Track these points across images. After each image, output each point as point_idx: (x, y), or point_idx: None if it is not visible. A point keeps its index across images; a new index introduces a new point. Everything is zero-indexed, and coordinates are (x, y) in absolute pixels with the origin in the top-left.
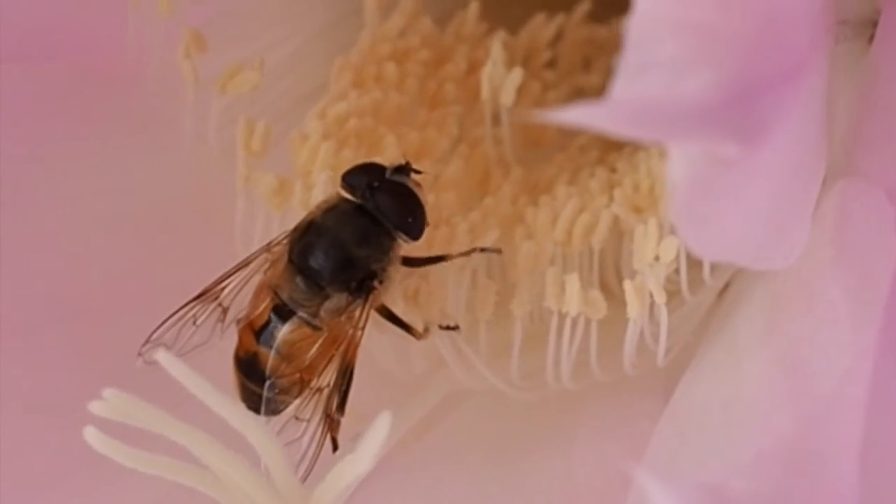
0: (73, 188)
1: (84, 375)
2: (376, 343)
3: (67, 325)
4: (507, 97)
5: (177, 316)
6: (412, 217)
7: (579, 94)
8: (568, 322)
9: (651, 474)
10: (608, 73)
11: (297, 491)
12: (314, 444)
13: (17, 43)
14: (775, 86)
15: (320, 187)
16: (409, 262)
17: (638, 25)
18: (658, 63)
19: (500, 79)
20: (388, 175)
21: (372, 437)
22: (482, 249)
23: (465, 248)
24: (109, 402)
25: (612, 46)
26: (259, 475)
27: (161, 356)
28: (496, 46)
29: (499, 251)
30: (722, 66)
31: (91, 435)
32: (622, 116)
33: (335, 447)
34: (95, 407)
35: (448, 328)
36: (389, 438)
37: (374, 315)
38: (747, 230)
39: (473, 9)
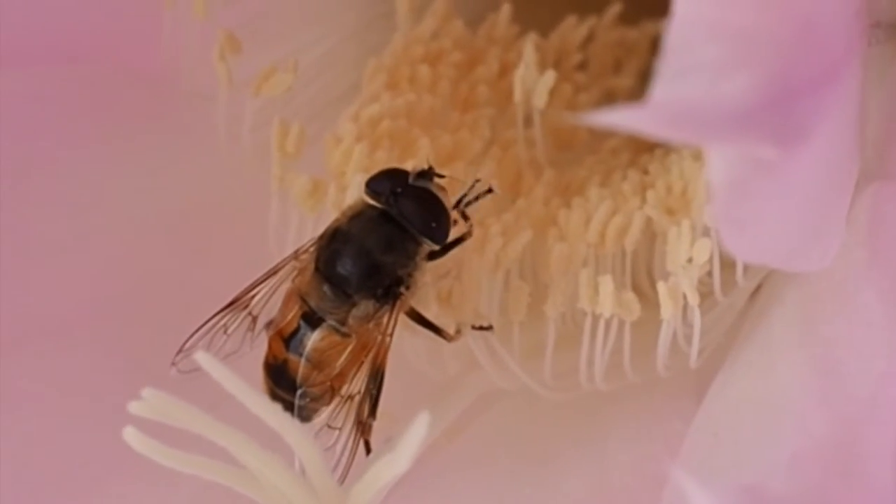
0: (107, 189)
1: (120, 376)
2: (409, 344)
3: (103, 327)
4: (540, 99)
5: (208, 325)
6: (436, 222)
7: (610, 96)
8: (601, 323)
9: (690, 475)
10: (639, 76)
11: (333, 491)
12: (347, 451)
13: (52, 45)
14: (813, 89)
15: (354, 189)
16: (433, 255)
17: (677, 29)
18: (697, 66)
19: (533, 81)
20: (411, 180)
21: (410, 437)
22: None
23: (497, 250)
24: (148, 402)
25: (643, 49)
26: (296, 475)
27: (200, 357)
28: (528, 49)
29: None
30: (761, 68)
31: (130, 435)
32: (662, 119)
33: (368, 450)
34: (134, 407)
35: (482, 328)
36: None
37: (404, 318)
38: (784, 232)
39: (505, 11)
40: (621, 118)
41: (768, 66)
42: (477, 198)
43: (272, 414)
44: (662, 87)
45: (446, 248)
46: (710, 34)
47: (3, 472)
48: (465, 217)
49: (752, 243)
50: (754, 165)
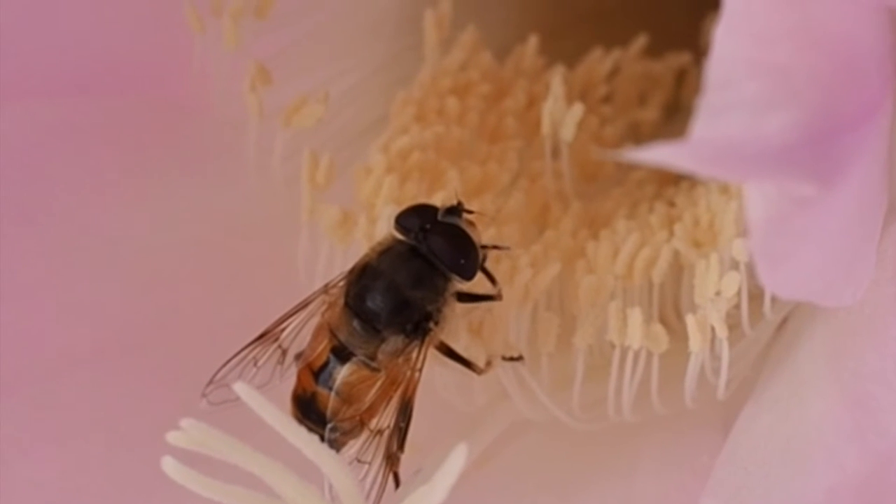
0: (138, 219)
1: (151, 405)
2: (438, 375)
3: (134, 357)
4: (568, 132)
5: (238, 357)
6: (465, 258)
7: (635, 129)
8: (630, 355)
9: None
10: (663, 109)
11: None
12: (377, 485)
13: (83, 75)
14: (852, 126)
15: (384, 220)
16: (462, 298)
17: (717, 66)
18: (738, 103)
19: (561, 113)
20: (440, 216)
21: (447, 468)
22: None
23: (526, 282)
24: (187, 433)
25: (667, 82)
26: None
27: (238, 387)
28: (556, 81)
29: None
30: (801, 106)
31: (169, 465)
32: (704, 156)
33: (397, 484)
34: (173, 437)
35: (512, 359)
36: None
37: (434, 352)
38: (819, 268)
39: (532, 43)
40: (664, 155)
41: (808, 103)
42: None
43: (309, 444)
44: (703, 124)
45: (475, 299)
46: (751, 72)
47: (44, 497)
48: (493, 280)
49: (789, 278)
50: (792, 202)
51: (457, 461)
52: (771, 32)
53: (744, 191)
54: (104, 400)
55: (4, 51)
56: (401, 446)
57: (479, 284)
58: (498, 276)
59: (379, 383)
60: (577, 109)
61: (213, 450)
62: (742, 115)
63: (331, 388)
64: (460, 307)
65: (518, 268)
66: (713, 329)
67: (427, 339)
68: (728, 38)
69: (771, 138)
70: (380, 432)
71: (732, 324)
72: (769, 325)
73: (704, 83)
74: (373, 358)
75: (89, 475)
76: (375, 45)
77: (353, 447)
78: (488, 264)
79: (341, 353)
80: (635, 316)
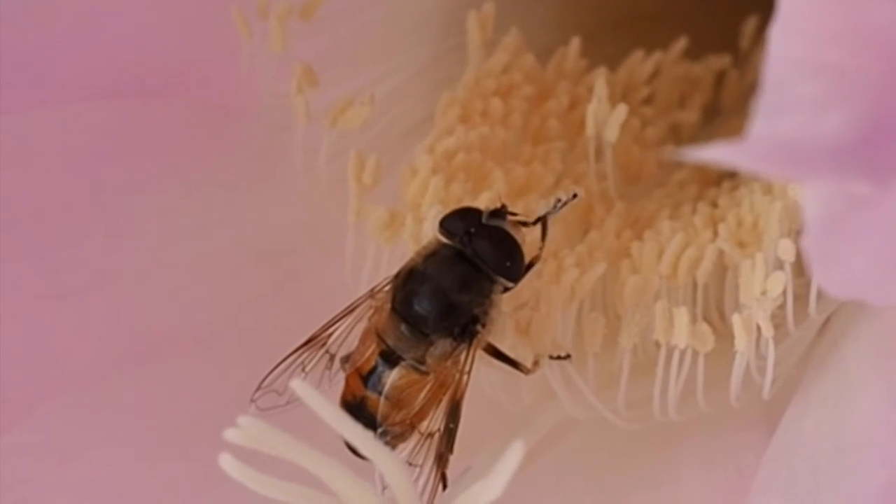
0: (185, 222)
1: (201, 405)
2: (485, 374)
3: (182, 358)
4: (612, 133)
5: (286, 362)
6: (510, 261)
7: (676, 130)
8: (675, 355)
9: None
10: (704, 111)
11: None
12: (430, 487)
13: (130, 78)
14: None
15: (430, 221)
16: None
17: (774, 67)
18: (795, 103)
19: (605, 115)
20: (484, 219)
21: (504, 465)
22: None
23: (572, 282)
24: (244, 430)
25: (707, 84)
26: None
27: (296, 385)
28: (600, 83)
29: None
30: (857, 106)
31: (226, 462)
32: (762, 154)
33: (445, 485)
34: (231, 434)
35: (559, 358)
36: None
37: (482, 354)
38: (873, 267)
39: (574, 45)
40: (722, 154)
41: (864, 103)
42: (564, 203)
43: (365, 441)
44: (761, 124)
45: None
46: (808, 72)
47: (98, 498)
48: (542, 238)
49: (842, 277)
50: (847, 201)
51: (514, 458)
52: (826, 33)
53: (791, 189)
54: (154, 402)
55: (55, 55)
56: (450, 447)
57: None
58: (544, 277)
59: (428, 387)
60: (621, 110)
61: (269, 447)
62: (799, 114)
63: (380, 393)
64: (508, 304)
65: (564, 268)
66: (759, 328)
67: (475, 341)
68: (784, 38)
69: (827, 138)
70: (430, 435)
71: (777, 323)
72: (814, 324)
73: (761, 83)
74: (421, 361)
75: (142, 476)
76: (419, 46)
77: (403, 450)
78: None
79: (389, 358)
80: (681, 315)
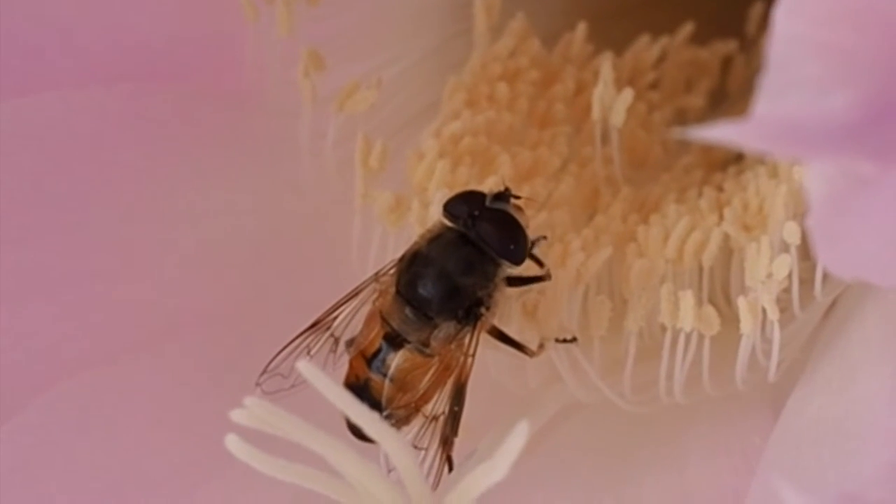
0: (191, 205)
1: (207, 390)
2: (491, 358)
3: (189, 342)
4: (618, 117)
5: (291, 346)
6: (514, 244)
7: (682, 115)
8: (681, 338)
9: (790, 482)
10: (710, 96)
11: (429, 500)
12: (434, 470)
13: (137, 63)
14: None
15: (437, 204)
16: (512, 282)
17: (778, 46)
18: (800, 83)
19: (611, 99)
20: (488, 202)
21: (509, 446)
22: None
23: (578, 265)
24: (250, 411)
25: (713, 69)
26: (393, 484)
27: (302, 366)
28: (606, 67)
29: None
30: (862, 86)
31: (232, 443)
32: (765, 133)
33: (451, 467)
34: (237, 415)
35: (565, 341)
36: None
37: (486, 337)
38: (878, 247)
39: (581, 30)
40: (726, 133)
41: (869, 83)
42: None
43: (371, 422)
44: (765, 103)
45: (526, 282)
46: (812, 52)
47: (105, 481)
48: (540, 263)
49: (846, 257)
50: (852, 181)
51: (518, 439)
52: (831, 13)
53: (797, 173)
54: (160, 386)
55: (63, 40)
56: (455, 430)
57: (529, 267)
58: (550, 260)
59: (432, 369)
60: (627, 95)
61: (275, 427)
62: (804, 93)
63: (384, 375)
64: (512, 290)
65: (570, 252)
66: (764, 311)
67: (479, 324)
68: (788, 18)
69: (832, 117)
70: (435, 418)
71: (783, 306)
72: (820, 307)
73: (765, 62)
74: (426, 344)
75: (150, 459)
76: (426, 30)
77: (408, 433)
78: (541, 249)
79: (394, 340)
80: (687, 299)
